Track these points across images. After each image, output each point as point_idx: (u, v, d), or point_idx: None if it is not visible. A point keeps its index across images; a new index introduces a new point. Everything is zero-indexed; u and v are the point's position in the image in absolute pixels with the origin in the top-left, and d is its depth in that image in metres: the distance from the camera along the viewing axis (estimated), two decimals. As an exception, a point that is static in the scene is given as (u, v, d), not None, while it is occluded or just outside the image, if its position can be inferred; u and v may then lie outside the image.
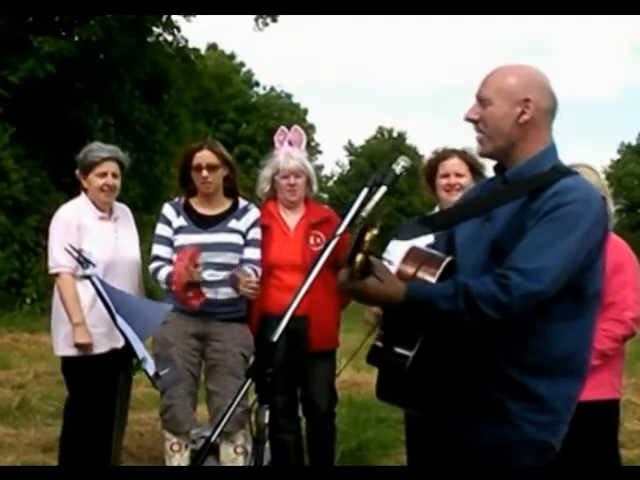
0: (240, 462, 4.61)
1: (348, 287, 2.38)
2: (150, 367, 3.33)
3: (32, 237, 15.26)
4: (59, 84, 15.93)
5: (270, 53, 73.67)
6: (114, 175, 4.67)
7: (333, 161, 66.00)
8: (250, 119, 40.33)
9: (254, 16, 19.56)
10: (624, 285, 3.79)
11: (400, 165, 2.54)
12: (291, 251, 4.72)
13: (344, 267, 2.34)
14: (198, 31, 38.57)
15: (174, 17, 18.87)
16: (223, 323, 4.63)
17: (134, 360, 3.25)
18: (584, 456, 3.60)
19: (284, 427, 4.75)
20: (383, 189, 2.49)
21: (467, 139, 2.65)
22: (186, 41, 19.80)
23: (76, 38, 16.51)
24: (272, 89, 43.79)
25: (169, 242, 4.68)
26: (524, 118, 2.53)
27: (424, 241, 2.67)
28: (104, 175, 4.64)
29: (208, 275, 4.52)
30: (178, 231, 4.67)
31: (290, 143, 4.86)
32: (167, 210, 4.74)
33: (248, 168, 29.01)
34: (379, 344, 2.52)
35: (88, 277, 3.56)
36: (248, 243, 4.68)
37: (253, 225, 4.71)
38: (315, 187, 4.94)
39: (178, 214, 4.71)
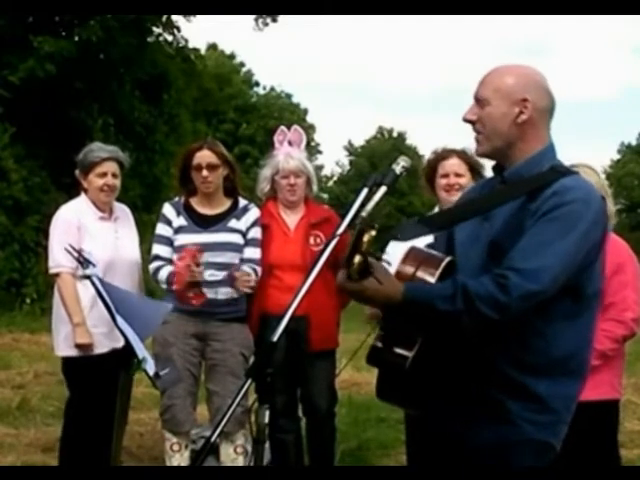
0: (240, 462, 4.61)
1: (346, 288, 2.38)
2: (150, 367, 3.33)
3: (32, 237, 15.26)
4: (59, 84, 15.93)
5: (270, 53, 73.74)
6: (114, 175, 4.68)
7: (333, 161, 66.08)
8: (250, 119, 40.32)
9: (254, 16, 19.56)
10: (624, 285, 3.79)
11: (400, 165, 2.54)
12: (291, 251, 4.72)
13: (342, 268, 2.34)
14: (198, 31, 38.64)
15: (174, 17, 18.88)
16: (223, 323, 4.63)
17: (134, 360, 3.25)
18: (584, 456, 3.60)
19: (284, 427, 4.75)
20: (383, 189, 2.49)
21: (467, 139, 2.65)
22: (186, 41, 19.83)
23: (76, 38, 16.51)
24: (272, 89, 43.81)
25: (169, 242, 4.68)
26: (522, 118, 2.53)
27: (424, 241, 2.68)
28: (104, 175, 4.64)
29: (208, 275, 4.52)
30: (178, 231, 4.67)
31: (290, 143, 4.86)
32: (167, 210, 4.74)
33: (248, 168, 29.00)
34: (379, 344, 2.52)
35: (88, 277, 3.56)
36: (248, 242, 4.68)
37: (253, 224, 4.71)
38: (315, 187, 4.94)
39: (178, 214, 4.71)
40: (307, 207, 4.87)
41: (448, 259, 2.58)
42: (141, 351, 3.29)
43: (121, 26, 16.52)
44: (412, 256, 2.56)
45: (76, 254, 3.72)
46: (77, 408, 4.60)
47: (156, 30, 18.96)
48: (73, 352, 4.54)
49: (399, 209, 40.38)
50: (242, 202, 4.77)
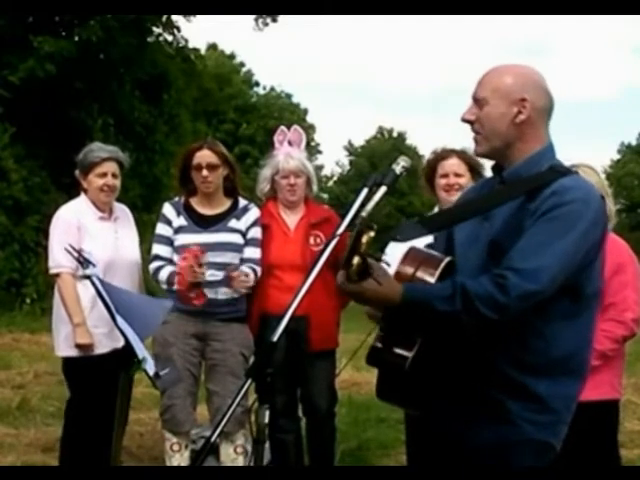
0: (240, 462, 4.62)
1: (346, 289, 2.39)
2: (150, 367, 3.33)
3: (32, 237, 15.26)
4: (59, 84, 15.93)
5: (270, 53, 73.72)
6: (114, 175, 4.67)
7: (333, 161, 66.05)
8: (250, 119, 40.32)
9: (254, 16, 19.57)
10: (624, 286, 3.78)
11: (400, 165, 2.54)
12: (291, 251, 4.72)
13: (342, 269, 2.34)
14: (198, 31, 38.66)
15: (174, 17, 18.89)
16: (223, 323, 4.63)
17: (134, 360, 3.25)
18: (584, 456, 3.60)
19: (284, 427, 4.75)
20: (383, 189, 2.49)
21: (467, 139, 2.65)
22: (186, 41, 19.84)
23: (76, 38, 16.51)
24: (272, 89, 43.80)
25: (169, 242, 4.68)
26: (520, 118, 2.52)
27: (423, 241, 2.68)
28: (104, 175, 4.64)
29: (209, 275, 4.52)
30: (178, 231, 4.67)
31: (290, 143, 4.86)
32: (167, 210, 4.74)
33: (248, 168, 28.99)
34: (378, 345, 2.53)
35: (88, 277, 3.56)
36: (248, 242, 4.68)
37: (253, 224, 4.71)
38: (315, 187, 4.94)
39: (178, 214, 4.71)
40: (307, 207, 4.87)
41: (448, 259, 2.58)
42: (141, 351, 3.29)
43: (121, 26, 16.53)
44: (411, 256, 2.56)
45: (76, 254, 3.72)
46: (78, 408, 4.60)
47: (156, 30, 18.98)
48: (73, 352, 4.54)
49: (399, 209, 40.39)
50: (242, 202, 4.77)
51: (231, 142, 34.89)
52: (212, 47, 38.32)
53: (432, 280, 2.51)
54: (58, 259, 4.54)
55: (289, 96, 44.07)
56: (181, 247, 4.62)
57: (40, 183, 16.07)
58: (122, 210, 4.86)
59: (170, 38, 19.49)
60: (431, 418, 2.64)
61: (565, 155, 2.66)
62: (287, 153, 4.80)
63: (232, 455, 4.62)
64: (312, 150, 41.65)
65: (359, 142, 49.51)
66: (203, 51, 25.41)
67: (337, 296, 4.52)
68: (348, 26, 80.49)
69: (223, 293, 4.57)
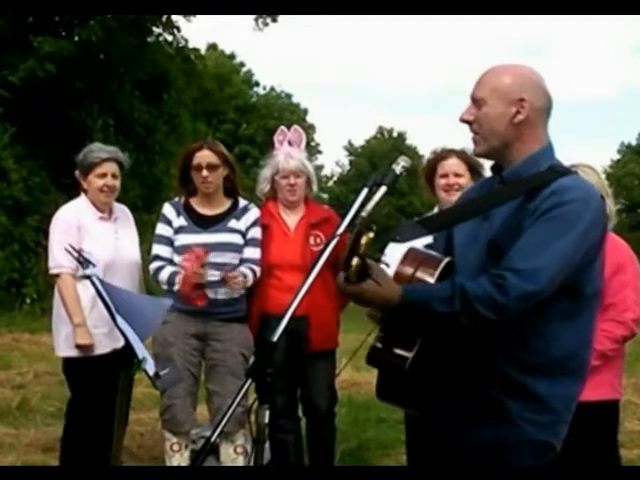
0: (240, 462, 4.62)
1: (345, 290, 2.39)
2: (150, 367, 3.32)
3: (32, 237, 15.26)
4: (59, 84, 15.93)
5: (270, 53, 73.69)
6: (114, 176, 4.67)
7: (333, 161, 66.05)
8: (250, 119, 40.32)
9: (254, 16, 19.57)
10: (624, 286, 3.78)
11: (400, 165, 2.54)
12: (291, 251, 4.72)
13: (341, 270, 2.34)
14: (198, 31, 38.65)
15: (174, 17, 18.88)
16: (223, 323, 4.63)
17: (134, 360, 3.25)
18: (584, 456, 3.60)
19: (284, 427, 4.75)
20: (383, 189, 2.49)
21: (467, 139, 2.65)
22: (186, 41, 19.83)
23: (76, 38, 16.51)
24: (272, 89, 43.79)
25: (169, 242, 4.68)
26: (519, 118, 2.52)
27: (422, 242, 2.67)
28: (104, 176, 4.64)
29: (209, 275, 4.52)
30: (178, 231, 4.67)
31: (290, 143, 4.86)
32: (167, 210, 4.74)
33: (248, 168, 28.99)
34: (378, 345, 2.53)
35: (88, 277, 3.56)
36: (248, 242, 4.68)
37: (253, 224, 4.71)
38: (315, 187, 4.94)
39: (178, 214, 4.71)
40: (307, 207, 4.87)
41: (447, 259, 2.58)
42: (141, 351, 3.28)
43: (121, 26, 16.53)
44: (411, 257, 2.56)
45: (76, 254, 3.72)
46: (78, 408, 4.60)
47: (156, 30, 18.98)
48: (74, 353, 4.54)
49: (399, 209, 40.37)
50: (242, 202, 4.77)
51: (231, 142, 34.89)
52: (212, 47, 38.32)
53: (432, 280, 2.51)
54: (58, 259, 4.54)
55: (289, 96, 44.10)
56: (181, 247, 4.62)
57: (40, 183, 16.07)
58: (122, 210, 4.86)
59: (170, 38, 19.51)
60: (431, 418, 2.64)
61: (565, 155, 2.66)
62: (287, 153, 4.80)
63: (232, 455, 4.62)
64: (312, 150, 41.65)
65: (359, 142, 49.57)
66: (203, 51, 25.42)
67: (337, 296, 4.51)
68: (348, 26, 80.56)
69: (223, 293, 4.57)
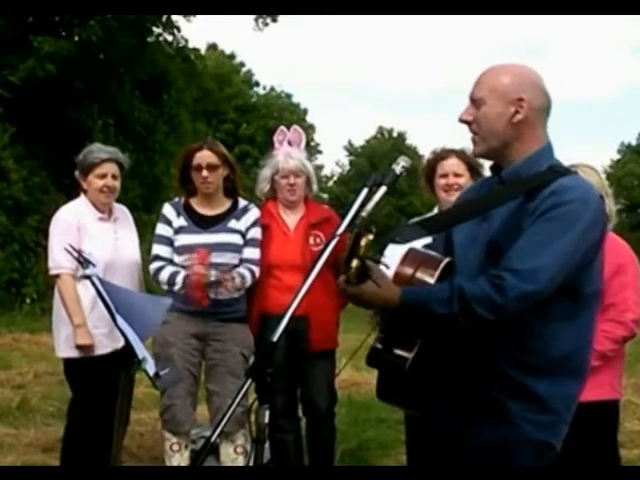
0: (240, 462, 4.62)
1: (345, 292, 2.39)
2: (150, 367, 3.33)
3: (32, 237, 15.26)
4: (59, 84, 15.93)
5: (270, 53, 73.67)
6: (114, 176, 4.67)
7: (333, 161, 66.02)
8: (250, 119, 40.31)
9: (254, 16, 19.57)
10: (625, 286, 3.78)
11: (400, 165, 2.54)
12: (291, 251, 4.72)
13: (341, 272, 2.35)
14: (198, 31, 38.70)
15: (174, 17, 18.89)
16: (223, 323, 4.63)
17: (134, 360, 3.25)
18: (584, 456, 3.60)
19: (284, 427, 4.75)
20: (383, 189, 2.49)
21: (466, 139, 2.65)
22: (186, 41, 19.85)
23: (76, 38, 16.52)
24: (272, 89, 43.79)
25: (169, 242, 4.68)
26: (518, 118, 2.52)
27: (422, 242, 2.67)
28: (104, 176, 4.64)
29: (212, 276, 4.52)
30: (178, 231, 4.67)
31: (289, 143, 4.86)
32: (167, 210, 4.74)
33: (248, 168, 28.99)
34: (378, 346, 2.53)
35: (88, 277, 3.56)
36: (247, 243, 4.68)
37: (253, 225, 4.71)
38: (315, 187, 4.94)
39: (178, 214, 4.71)
40: (307, 207, 4.87)
41: (447, 260, 2.58)
42: (141, 351, 3.29)
43: (121, 26, 16.53)
44: (411, 257, 2.57)
45: (76, 254, 3.72)
46: (80, 409, 4.60)
47: (156, 30, 18.99)
48: (74, 353, 4.53)
49: (399, 209, 40.36)
50: (242, 202, 4.77)
51: (231, 142, 34.89)
52: (212, 47, 38.32)
53: (432, 281, 2.51)
54: (58, 260, 4.54)
55: (289, 96, 44.09)
56: (181, 247, 4.62)
57: (40, 183, 16.07)
58: (122, 211, 4.86)
59: (170, 38, 19.52)
60: (431, 418, 2.64)
61: (565, 155, 2.66)
62: (287, 153, 4.79)
63: (232, 455, 4.62)
64: (312, 150, 41.65)
65: (359, 142, 49.56)
66: (203, 51, 25.42)
67: (337, 296, 4.52)
68: (348, 26, 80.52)
69: (223, 293, 4.57)
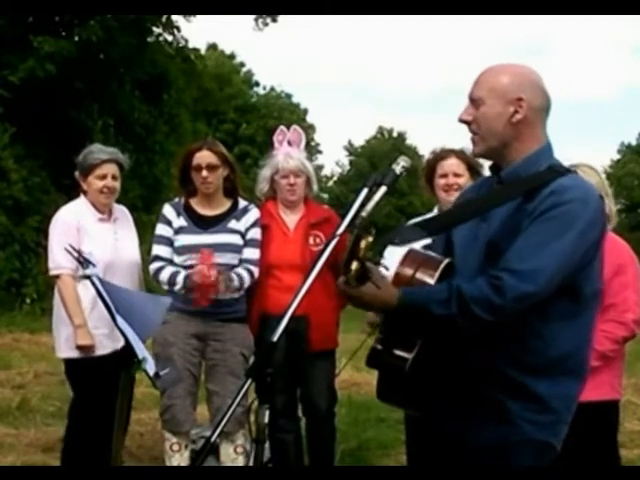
0: (240, 462, 4.62)
1: (345, 293, 2.40)
2: (150, 367, 3.33)
3: (32, 237, 15.27)
4: (59, 84, 15.94)
5: (270, 53, 73.66)
6: (114, 177, 4.67)
7: (333, 161, 66.02)
8: (250, 119, 40.31)
9: (254, 16, 19.58)
10: (625, 287, 3.78)
11: (400, 165, 2.54)
12: (290, 251, 4.71)
13: (341, 274, 2.35)
14: (198, 31, 38.67)
15: (174, 17, 18.89)
16: (223, 323, 4.63)
17: (134, 360, 3.25)
18: (584, 456, 3.60)
19: (284, 427, 4.75)
20: (383, 189, 2.49)
21: (466, 139, 2.65)
22: (186, 41, 19.85)
23: (76, 38, 16.52)
24: (272, 89, 43.79)
25: (169, 242, 4.68)
26: (517, 117, 2.52)
27: (421, 242, 2.67)
28: (104, 177, 4.64)
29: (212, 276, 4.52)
30: (178, 232, 4.67)
31: (289, 143, 4.86)
32: (167, 210, 4.74)
33: (248, 168, 28.98)
34: (378, 347, 2.53)
35: (88, 277, 3.56)
36: (247, 243, 4.68)
37: (253, 225, 4.71)
38: (315, 187, 4.93)
39: (178, 214, 4.71)
40: (307, 207, 4.87)
41: (447, 261, 2.58)
42: (141, 351, 3.29)
43: (121, 26, 16.54)
44: (411, 258, 2.57)
45: (76, 254, 3.72)
46: (81, 409, 4.60)
47: (156, 30, 18.99)
48: (75, 354, 4.53)
49: (399, 209, 40.38)
50: (242, 203, 4.77)
51: (231, 142, 34.89)
52: (212, 47, 38.31)
53: (432, 281, 2.51)
54: (58, 260, 4.54)
55: (289, 96, 44.08)
56: (181, 248, 4.62)
57: (40, 183, 16.07)
58: (121, 211, 4.86)
59: (170, 38, 19.52)
60: (431, 418, 2.64)
61: (565, 155, 2.66)
62: (287, 153, 4.79)
63: (232, 455, 4.62)
64: (312, 150, 41.65)
65: (359, 142, 49.55)
66: (203, 51, 25.42)
67: (337, 296, 4.51)
68: (348, 26, 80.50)
69: (220, 293, 4.57)
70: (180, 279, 4.55)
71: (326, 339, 4.74)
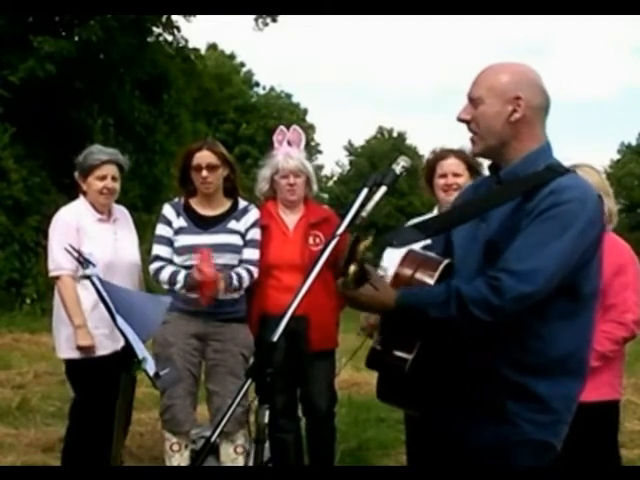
0: (240, 462, 4.62)
1: (344, 295, 2.41)
2: (150, 367, 3.32)
3: (32, 237, 15.27)
4: (59, 84, 15.93)
5: (270, 53, 73.65)
6: (113, 178, 4.67)
7: (333, 161, 66.04)
8: (250, 119, 40.31)
9: (254, 16, 19.57)
10: (625, 287, 3.78)
11: (400, 165, 2.54)
12: (290, 251, 4.71)
13: (340, 276, 2.36)
14: (198, 31, 38.64)
15: (174, 17, 18.89)
16: (223, 323, 4.63)
17: (134, 360, 3.25)
18: (584, 456, 3.60)
19: (284, 427, 4.75)
20: (383, 189, 2.49)
21: (466, 139, 2.65)
22: (186, 41, 19.84)
23: (76, 38, 16.52)
24: (272, 89, 43.78)
25: (169, 242, 4.68)
26: (515, 116, 2.51)
27: (420, 242, 2.67)
28: (103, 178, 4.64)
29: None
30: (178, 232, 4.67)
31: (289, 143, 4.86)
32: (167, 210, 4.74)
33: (248, 168, 28.96)
34: (378, 347, 2.53)
35: (88, 277, 3.55)
36: (247, 243, 4.68)
37: (252, 225, 4.71)
38: (315, 187, 4.93)
39: (178, 214, 4.71)
40: (306, 207, 4.87)
41: (446, 261, 2.58)
42: (141, 351, 3.28)
43: (121, 26, 16.53)
44: (410, 258, 2.57)
45: (76, 254, 3.72)
46: (81, 409, 4.59)
47: (156, 30, 18.98)
48: (75, 354, 4.53)
49: (399, 209, 40.37)
50: (242, 203, 4.77)
51: (231, 142, 34.90)
52: (212, 47, 38.32)
53: (431, 282, 2.51)
54: (58, 261, 4.53)
55: (289, 96, 44.08)
56: (181, 248, 4.62)
57: (40, 183, 16.07)
58: (121, 212, 4.86)
59: (170, 38, 19.51)
60: (431, 418, 2.64)
61: (565, 155, 2.65)
62: (286, 153, 4.79)
63: (232, 455, 4.62)
64: (312, 150, 41.66)
65: (359, 142, 49.53)
66: (203, 51, 25.41)
67: (337, 296, 4.50)
68: (348, 26, 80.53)
69: (223, 293, 4.57)
70: (181, 278, 4.55)
71: (326, 339, 4.74)
